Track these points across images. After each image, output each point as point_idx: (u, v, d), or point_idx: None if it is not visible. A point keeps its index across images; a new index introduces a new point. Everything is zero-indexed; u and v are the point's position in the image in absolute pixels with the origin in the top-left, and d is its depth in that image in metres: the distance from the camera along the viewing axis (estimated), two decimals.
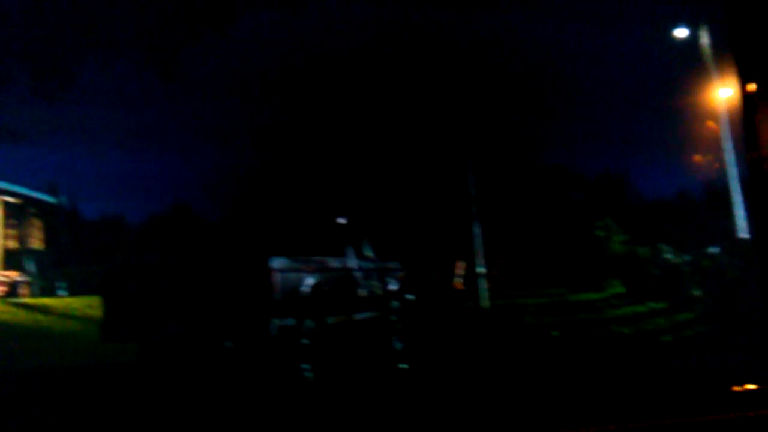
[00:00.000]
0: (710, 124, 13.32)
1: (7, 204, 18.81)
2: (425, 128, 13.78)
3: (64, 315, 14.04)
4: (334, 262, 9.79)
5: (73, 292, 16.60)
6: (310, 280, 9.01)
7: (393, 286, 11.00)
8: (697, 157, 13.65)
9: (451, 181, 14.00)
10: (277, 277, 8.41)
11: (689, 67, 13.44)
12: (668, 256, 13.09)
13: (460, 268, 17.87)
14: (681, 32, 14.35)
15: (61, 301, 15.80)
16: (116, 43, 13.30)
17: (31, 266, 17.94)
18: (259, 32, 12.25)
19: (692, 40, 13.94)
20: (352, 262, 10.18)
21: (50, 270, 18.14)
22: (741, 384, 6.98)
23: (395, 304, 10.89)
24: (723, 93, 13.63)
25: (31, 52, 13.41)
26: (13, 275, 18.09)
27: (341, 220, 10.50)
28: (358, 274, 10.25)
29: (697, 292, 11.49)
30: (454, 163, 14.06)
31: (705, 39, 14.06)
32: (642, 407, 6.69)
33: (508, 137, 14.22)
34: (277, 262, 8.43)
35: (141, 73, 13.36)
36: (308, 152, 12.56)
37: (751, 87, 7.07)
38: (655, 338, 10.04)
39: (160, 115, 12.77)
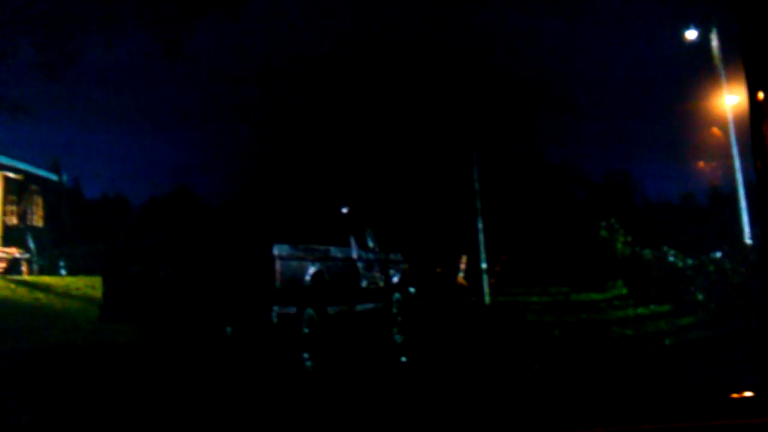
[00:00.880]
0: (715, 131, 13.25)
1: (7, 179, 18.71)
2: (431, 120, 13.71)
3: (64, 294, 13.99)
4: (336, 252, 9.74)
5: (73, 272, 16.53)
6: (311, 269, 8.97)
7: (395, 278, 10.96)
8: (704, 161, 13.59)
9: (456, 174, 13.94)
10: (279, 265, 8.36)
11: (699, 69, 13.37)
12: (672, 258, 13.04)
13: (462, 262, 17.82)
14: (691, 34, 14.26)
15: (61, 280, 15.74)
16: (122, 20, 13.20)
17: (31, 243, 17.86)
18: (270, 12, 12.16)
19: (703, 42, 13.85)
20: (355, 252, 10.13)
21: (51, 248, 18.06)
22: (740, 390, 6.96)
23: (397, 296, 10.85)
24: (731, 99, 13.55)
25: (34, 24, 13.31)
26: (13, 252, 18.02)
27: (344, 209, 10.44)
28: (361, 265, 10.20)
29: (700, 296, 11.45)
30: (459, 156, 14.01)
31: (715, 41, 13.96)
32: (640, 410, 6.67)
33: (513, 133, 14.16)
34: (279, 249, 8.38)
35: (147, 51, 13.26)
36: (314, 139, 12.49)
37: (761, 95, 7.04)
38: (657, 341, 10.01)
39: (165, 95, 12.68)
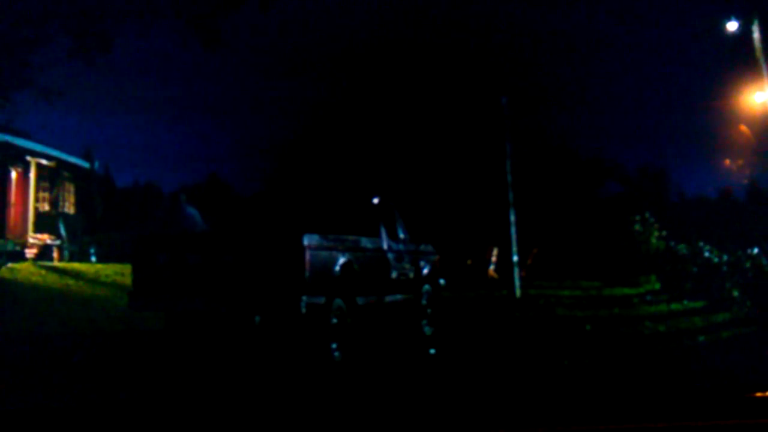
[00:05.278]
0: (743, 128, 13.07)
1: (40, 166, 18.91)
2: (464, 111, 13.63)
3: (94, 281, 14.08)
4: (366, 242, 9.64)
5: (103, 258, 16.68)
6: (341, 259, 8.88)
7: (425, 270, 10.85)
8: (742, 156, 13.39)
9: (489, 165, 13.84)
10: (309, 254, 8.27)
11: (739, 62, 13.17)
12: (707, 254, 12.84)
13: (493, 255, 17.73)
14: (732, 26, 14.03)
15: (91, 267, 15.88)
16: (158, 10, 13.24)
17: (62, 230, 18.03)
18: (302, 7, 12.14)
19: (743, 35, 13.63)
20: (385, 243, 10.02)
21: (82, 235, 18.24)
22: (765, 389, 6.81)
23: (427, 288, 10.74)
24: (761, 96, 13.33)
25: (72, 13, 13.38)
26: (45, 238, 18.21)
27: (375, 200, 10.32)
28: (391, 256, 10.10)
29: (736, 293, 11.24)
30: (492, 148, 13.92)
31: (757, 34, 13.71)
32: (668, 407, 6.54)
33: (547, 126, 14.06)
34: (309, 239, 8.29)
35: (181, 42, 13.30)
36: (347, 130, 12.45)
37: None
38: (691, 337, 9.84)
39: (198, 84, 12.69)
